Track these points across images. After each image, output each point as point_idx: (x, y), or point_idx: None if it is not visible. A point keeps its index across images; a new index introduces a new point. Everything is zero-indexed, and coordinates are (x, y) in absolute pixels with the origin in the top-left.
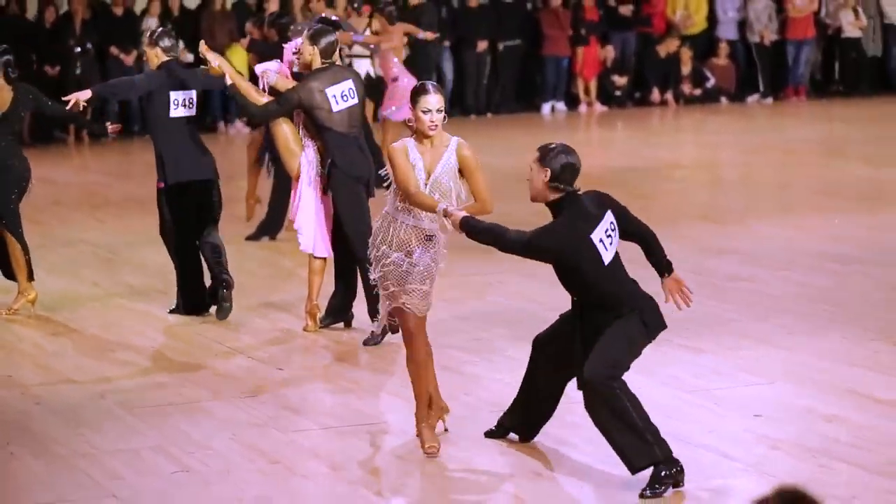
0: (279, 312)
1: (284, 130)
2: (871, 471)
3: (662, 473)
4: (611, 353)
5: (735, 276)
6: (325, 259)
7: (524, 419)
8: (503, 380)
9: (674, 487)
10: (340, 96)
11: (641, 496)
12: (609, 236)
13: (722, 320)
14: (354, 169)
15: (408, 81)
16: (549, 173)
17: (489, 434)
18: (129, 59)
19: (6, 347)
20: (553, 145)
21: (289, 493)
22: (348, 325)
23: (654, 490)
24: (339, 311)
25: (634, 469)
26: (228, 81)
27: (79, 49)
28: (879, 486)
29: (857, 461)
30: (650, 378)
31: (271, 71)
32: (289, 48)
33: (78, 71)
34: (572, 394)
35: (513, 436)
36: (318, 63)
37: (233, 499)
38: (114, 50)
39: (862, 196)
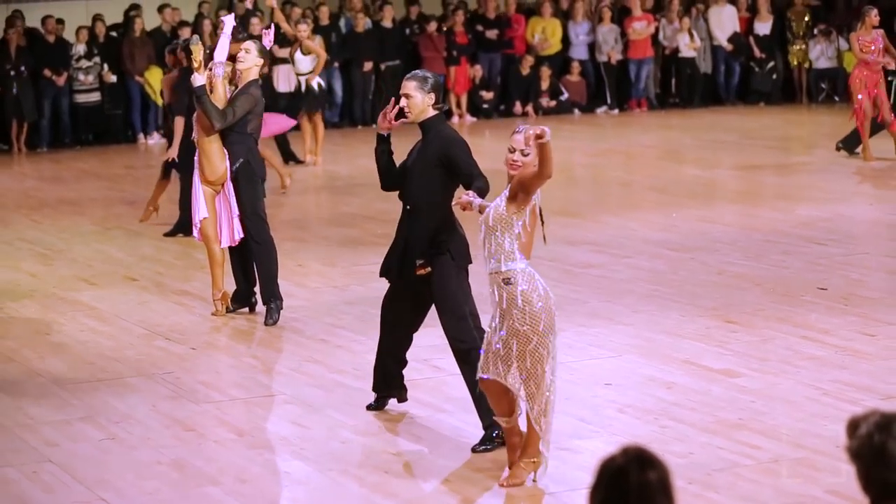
0: (193, 299)
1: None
2: (704, 430)
3: (494, 434)
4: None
5: (586, 263)
6: (223, 250)
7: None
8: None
9: (500, 447)
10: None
11: (474, 451)
12: None
13: (575, 302)
14: (261, 169)
15: None
16: (433, 97)
17: (370, 407)
18: (61, 80)
19: None
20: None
21: (202, 456)
22: (252, 309)
23: (486, 447)
24: (243, 298)
25: (487, 425)
26: (201, 81)
27: (13, 73)
28: (711, 442)
29: (691, 422)
30: None
31: (220, 67)
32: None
33: (14, 91)
34: (449, 367)
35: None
36: (255, 74)
37: (153, 462)
38: (47, 72)
39: (694, 193)
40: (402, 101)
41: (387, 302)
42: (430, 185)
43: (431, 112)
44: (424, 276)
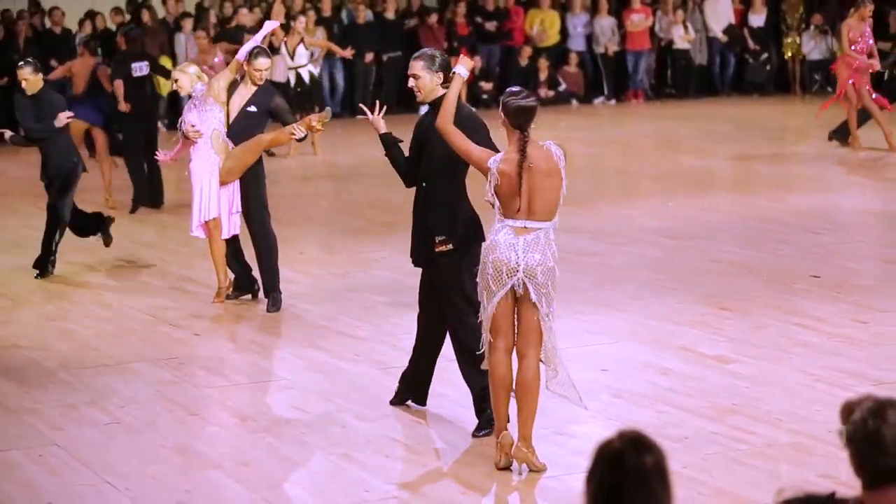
0: (196, 285)
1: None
2: (699, 415)
3: (492, 416)
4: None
5: (584, 250)
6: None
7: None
8: (388, 342)
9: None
10: None
11: (473, 436)
12: None
13: (573, 289)
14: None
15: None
16: (441, 76)
17: (393, 402)
18: None
19: None
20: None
21: (204, 440)
22: (255, 295)
23: (485, 431)
24: (244, 285)
25: (485, 411)
26: (302, 135)
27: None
28: (705, 427)
29: (686, 407)
30: None
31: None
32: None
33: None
34: (448, 354)
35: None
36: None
37: (157, 446)
38: (53, 63)
39: (690, 182)
40: (411, 82)
41: (421, 291)
42: (451, 165)
43: (441, 91)
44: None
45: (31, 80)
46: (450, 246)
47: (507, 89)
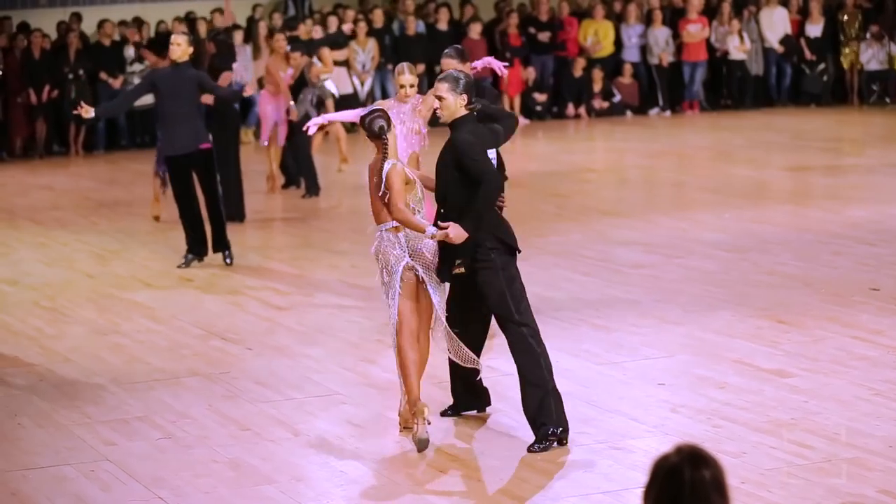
0: (248, 299)
1: None
2: (757, 430)
3: (549, 432)
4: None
5: (638, 263)
6: None
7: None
8: (440, 355)
9: (558, 445)
10: None
11: (530, 450)
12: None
13: (627, 302)
14: None
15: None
16: (465, 98)
17: (445, 413)
18: (117, 83)
19: (12, 331)
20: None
21: (258, 455)
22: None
23: (542, 445)
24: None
25: (541, 423)
26: None
27: (72, 76)
28: (764, 442)
29: (744, 422)
30: (566, 353)
31: None
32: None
33: (73, 94)
34: (502, 367)
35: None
36: None
37: (209, 460)
38: (103, 75)
39: (746, 194)
40: (435, 103)
41: (452, 302)
42: (456, 187)
43: (462, 112)
44: (465, 275)
45: (183, 46)
46: (463, 269)
47: (370, 108)
